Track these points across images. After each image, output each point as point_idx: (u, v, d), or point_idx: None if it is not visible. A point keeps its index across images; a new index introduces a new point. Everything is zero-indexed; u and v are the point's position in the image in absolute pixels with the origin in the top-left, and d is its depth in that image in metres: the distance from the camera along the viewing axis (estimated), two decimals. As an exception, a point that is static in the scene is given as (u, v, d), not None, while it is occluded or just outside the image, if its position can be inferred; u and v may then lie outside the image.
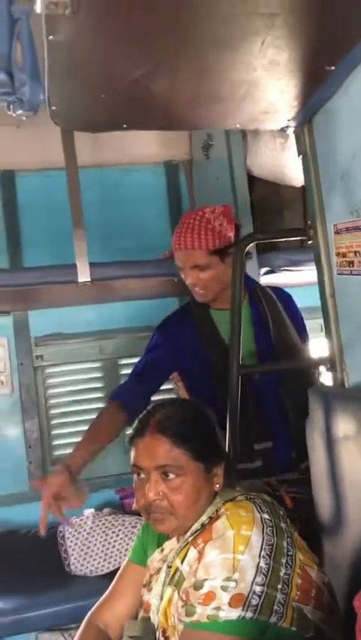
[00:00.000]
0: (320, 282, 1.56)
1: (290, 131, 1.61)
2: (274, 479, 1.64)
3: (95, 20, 1.00)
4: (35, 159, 2.92)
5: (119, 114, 1.37)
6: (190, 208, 3.20)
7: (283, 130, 1.58)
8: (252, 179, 2.53)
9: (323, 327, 1.58)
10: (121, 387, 2.13)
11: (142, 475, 1.33)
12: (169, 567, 1.35)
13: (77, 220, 2.20)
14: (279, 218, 2.53)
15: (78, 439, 3.02)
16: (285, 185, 2.39)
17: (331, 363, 1.53)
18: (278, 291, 2.12)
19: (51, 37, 1.02)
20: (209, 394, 1.67)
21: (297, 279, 2.46)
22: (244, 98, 1.35)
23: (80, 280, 2.17)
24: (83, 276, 2.17)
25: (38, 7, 0.93)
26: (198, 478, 1.31)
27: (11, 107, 0.95)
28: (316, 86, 1.34)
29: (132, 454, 1.35)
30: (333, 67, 1.24)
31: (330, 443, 1.42)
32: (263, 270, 2.47)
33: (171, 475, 1.29)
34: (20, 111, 0.94)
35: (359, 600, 1.03)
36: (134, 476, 1.35)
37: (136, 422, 1.40)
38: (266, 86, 1.30)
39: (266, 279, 2.47)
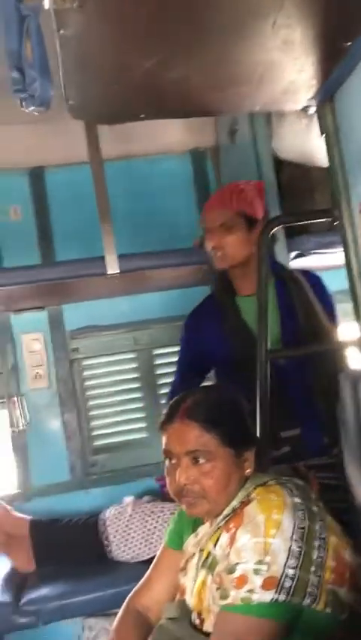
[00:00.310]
0: (347, 262, 1.54)
1: (312, 111, 1.59)
2: (302, 464, 1.63)
3: (104, 12, 1.01)
4: (63, 154, 2.95)
5: (136, 104, 1.38)
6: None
7: (304, 110, 1.56)
8: (280, 162, 2.50)
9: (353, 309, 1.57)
10: (172, 390, 2.13)
11: (173, 460, 1.34)
12: (201, 551, 1.37)
13: (104, 213, 2.22)
14: (309, 199, 2.49)
15: (116, 428, 3.11)
16: (314, 167, 2.34)
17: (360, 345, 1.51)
18: (307, 274, 2.09)
19: (61, 31, 1.03)
20: (235, 382, 1.67)
21: (328, 261, 2.42)
22: (262, 79, 1.34)
23: (109, 272, 2.19)
24: (112, 268, 2.19)
25: (47, 3, 0.94)
26: (228, 463, 1.32)
27: (24, 103, 0.97)
28: (334, 63, 1.32)
29: (163, 439, 1.37)
30: (350, 43, 1.22)
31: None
32: (293, 253, 2.43)
33: (202, 460, 1.31)
34: (32, 107, 0.95)
35: None
36: (166, 461, 1.37)
37: (167, 409, 1.41)
38: (283, 66, 1.28)
39: (296, 263, 2.44)
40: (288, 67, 1.28)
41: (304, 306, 1.96)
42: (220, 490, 1.31)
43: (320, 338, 1.91)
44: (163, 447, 1.37)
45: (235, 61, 1.22)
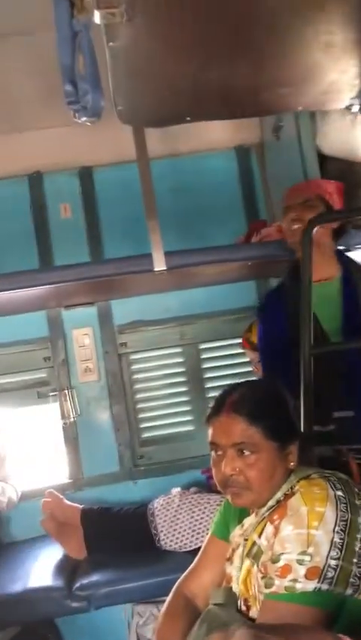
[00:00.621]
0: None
1: (355, 109, 1.60)
2: (345, 447, 1.66)
3: (150, 25, 1.06)
4: (111, 154, 3.03)
5: (181, 108, 1.43)
6: (263, 191, 3.21)
7: (348, 108, 1.58)
8: (325, 158, 2.50)
9: None
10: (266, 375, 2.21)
11: (219, 452, 1.39)
12: (246, 540, 1.42)
13: (151, 211, 2.27)
14: (355, 195, 2.49)
15: (163, 421, 3.18)
16: (359, 162, 2.34)
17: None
18: None
19: (111, 43, 1.09)
20: (296, 366, 1.72)
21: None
22: (304, 80, 1.37)
23: (156, 269, 2.24)
24: (159, 264, 2.24)
25: (97, 18, 1.00)
26: (272, 456, 1.36)
27: (77, 114, 1.03)
28: (376, 63, 1.33)
29: (210, 432, 1.42)
30: (391, 44, 1.23)
31: None
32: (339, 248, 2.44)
33: (247, 452, 1.35)
34: (84, 118, 1.01)
35: None
36: (212, 453, 1.42)
37: (213, 402, 1.46)
38: (324, 67, 1.31)
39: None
40: (330, 69, 1.31)
41: None
42: (264, 482, 1.35)
43: None
44: (210, 439, 1.42)
45: (277, 63, 1.26)
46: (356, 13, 1.10)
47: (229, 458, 1.36)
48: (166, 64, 1.23)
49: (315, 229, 1.85)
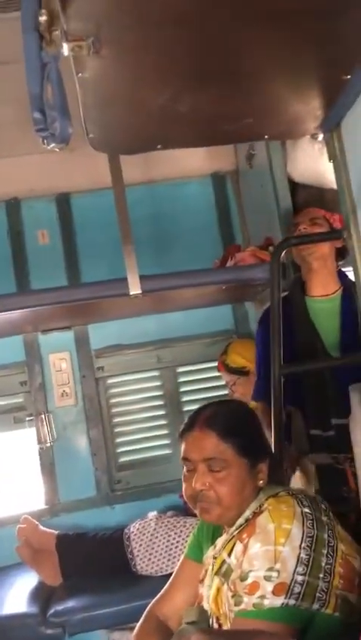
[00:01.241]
0: (357, 280, 1.60)
1: (320, 138, 1.66)
2: (343, 456, 1.69)
3: (118, 56, 1.11)
4: (88, 181, 3.07)
5: (152, 136, 1.47)
6: (238, 217, 3.28)
7: (313, 137, 1.64)
8: (296, 185, 2.58)
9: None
10: (258, 387, 2.23)
11: (191, 468, 1.41)
12: (215, 558, 1.43)
13: (126, 236, 2.32)
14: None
15: (140, 445, 3.18)
16: (328, 189, 2.42)
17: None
18: None
19: (80, 74, 1.13)
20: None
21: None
22: (268, 112, 1.42)
23: (131, 293, 2.28)
24: (134, 288, 2.28)
25: (65, 51, 1.04)
26: (242, 472, 1.38)
27: (45, 141, 1.07)
28: (337, 95, 1.38)
29: (182, 447, 1.44)
30: (349, 77, 1.29)
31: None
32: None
33: (218, 468, 1.37)
34: (53, 144, 1.05)
35: None
36: (184, 469, 1.43)
37: (187, 418, 1.49)
38: (287, 99, 1.36)
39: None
40: (292, 100, 1.36)
41: None
42: (233, 497, 1.37)
43: None
44: (182, 454, 1.43)
45: (241, 95, 1.31)
46: (316, 48, 1.17)
47: (200, 473, 1.38)
48: (135, 94, 1.27)
49: (318, 249, 2.05)
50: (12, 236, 3.18)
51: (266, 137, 1.54)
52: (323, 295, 2.15)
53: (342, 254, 2.19)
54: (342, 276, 2.20)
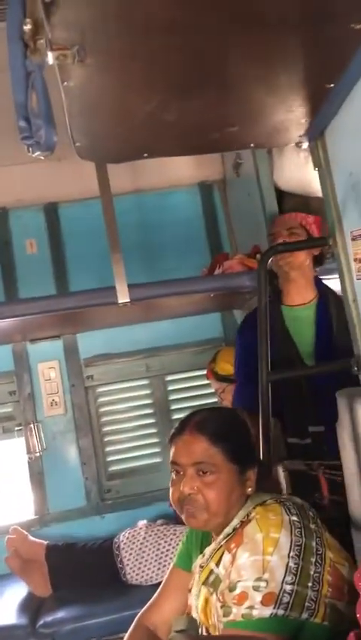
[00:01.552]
0: (343, 288, 1.61)
1: (305, 146, 1.67)
2: (316, 462, 1.70)
3: (102, 65, 1.11)
4: (76, 190, 3.08)
5: (138, 144, 1.47)
6: (226, 225, 3.30)
7: (298, 145, 1.65)
8: (282, 193, 2.59)
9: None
10: (239, 393, 2.24)
11: (180, 472, 1.40)
12: (202, 567, 1.42)
13: (114, 245, 2.32)
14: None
15: (130, 454, 3.17)
16: (314, 197, 2.43)
17: (357, 366, 1.57)
18: None
19: (65, 83, 1.14)
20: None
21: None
22: (253, 120, 1.44)
23: (119, 301, 2.28)
24: (123, 297, 2.28)
25: (50, 59, 1.04)
26: (231, 478, 1.38)
27: (30, 149, 1.07)
28: (321, 103, 1.40)
29: (172, 451, 1.43)
30: (333, 85, 1.30)
31: (359, 444, 1.46)
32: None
33: (206, 472, 1.37)
34: (38, 152, 1.05)
35: (359, 578, 1.06)
36: (172, 473, 1.43)
37: (178, 423, 1.49)
38: (271, 107, 1.37)
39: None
40: (276, 108, 1.37)
41: (342, 325, 2.04)
42: (221, 503, 1.36)
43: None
44: (171, 458, 1.43)
45: (225, 105, 1.32)
46: (300, 57, 1.18)
47: (189, 477, 1.37)
48: (121, 103, 1.28)
49: (296, 259, 2.07)
50: (0, 245, 3.17)
51: (252, 145, 1.55)
52: (299, 304, 2.16)
53: (319, 261, 2.21)
54: (318, 283, 2.21)
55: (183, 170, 3.20)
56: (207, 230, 3.29)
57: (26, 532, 2.69)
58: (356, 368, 1.58)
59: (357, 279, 1.52)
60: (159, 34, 1.06)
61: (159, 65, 1.17)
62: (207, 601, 1.37)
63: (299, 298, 2.17)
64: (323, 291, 2.19)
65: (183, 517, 1.41)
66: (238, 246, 3.15)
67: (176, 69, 1.20)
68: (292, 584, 1.22)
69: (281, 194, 2.56)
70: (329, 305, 2.14)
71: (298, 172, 2.38)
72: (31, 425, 3.02)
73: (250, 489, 1.41)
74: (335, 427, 1.94)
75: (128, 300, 2.29)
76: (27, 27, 1.03)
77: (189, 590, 1.51)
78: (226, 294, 2.54)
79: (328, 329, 2.10)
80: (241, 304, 2.94)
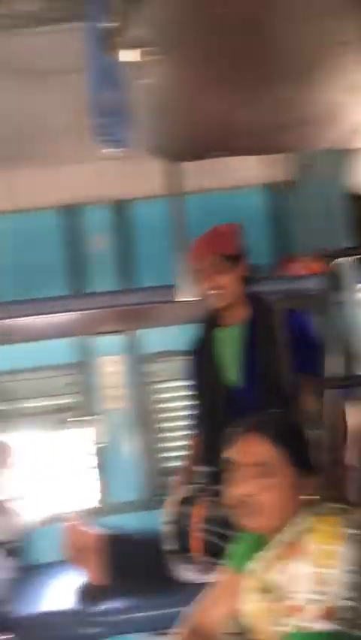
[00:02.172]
0: None
1: (382, 148, 1.63)
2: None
3: (181, 63, 1.12)
4: (147, 188, 3.08)
5: (209, 144, 1.47)
6: (293, 228, 3.24)
7: (376, 147, 1.61)
8: (354, 197, 2.53)
9: None
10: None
11: (236, 471, 1.37)
12: (255, 572, 1.40)
13: (180, 243, 2.34)
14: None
15: (185, 451, 3.16)
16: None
17: None
18: (293, 313, 2.16)
19: (141, 80, 1.15)
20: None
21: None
22: (330, 120, 1.41)
23: (178, 299, 2.30)
24: (183, 295, 2.29)
25: (129, 57, 1.06)
26: (290, 482, 1.35)
27: (105, 146, 1.09)
28: None
29: (230, 449, 1.40)
30: None
31: None
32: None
33: (266, 474, 1.33)
34: (113, 149, 1.07)
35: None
36: (226, 472, 1.40)
37: (238, 422, 1.46)
38: (349, 107, 1.34)
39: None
40: (356, 108, 1.34)
41: (268, 344, 2.04)
42: (277, 507, 1.33)
43: (275, 378, 2.02)
44: (228, 456, 1.40)
45: (303, 104, 1.30)
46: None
47: (246, 478, 1.34)
48: (195, 101, 1.28)
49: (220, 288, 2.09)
50: (69, 241, 3.23)
51: (326, 146, 1.51)
52: (230, 324, 2.15)
53: (250, 281, 2.15)
54: (256, 301, 2.15)
55: (250, 170, 3.16)
56: (275, 231, 3.25)
57: (83, 522, 2.73)
58: None
59: None
60: (237, 31, 1.05)
61: (236, 62, 1.16)
62: (259, 608, 1.35)
63: (230, 319, 2.15)
64: (262, 309, 2.15)
65: (237, 518, 1.39)
66: (305, 249, 3.10)
67: (253, 66, 1.19)
68: (350, 598, 1.19)
69: (353, 198, 2.50)
70: (259, 322, 2.11)
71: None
72: (91, 417, 3.07)
73: (307, 496, 1.38)
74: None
75: (191, 298, 2.30)
76: (107, 25, 1.04)
77: (240, 593, 1.49)
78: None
79: (253, 350, 2.07)
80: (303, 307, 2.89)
